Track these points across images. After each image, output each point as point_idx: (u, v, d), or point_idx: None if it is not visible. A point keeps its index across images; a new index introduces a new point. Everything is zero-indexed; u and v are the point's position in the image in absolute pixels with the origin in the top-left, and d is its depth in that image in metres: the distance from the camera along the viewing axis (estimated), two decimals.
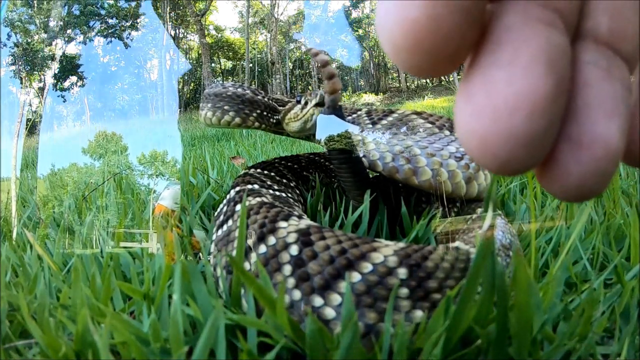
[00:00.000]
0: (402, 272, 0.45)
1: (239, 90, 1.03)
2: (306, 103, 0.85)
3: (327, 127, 0.76)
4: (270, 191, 0.80)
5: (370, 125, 0.88)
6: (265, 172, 0.91)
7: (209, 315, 0.48)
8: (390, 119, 0.89)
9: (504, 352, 0.39)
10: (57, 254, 0.79)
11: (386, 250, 0.47)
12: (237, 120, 1.00)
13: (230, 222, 0.66)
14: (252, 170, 0.90)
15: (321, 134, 0.81)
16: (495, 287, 0.38)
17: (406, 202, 0.89)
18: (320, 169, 1.06)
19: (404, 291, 0.45)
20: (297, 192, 0.94)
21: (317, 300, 0.47)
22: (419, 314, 0.45)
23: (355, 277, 0.46)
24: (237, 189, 0.76)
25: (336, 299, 0.46)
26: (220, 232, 0.67)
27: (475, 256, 0.38)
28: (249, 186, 0.78)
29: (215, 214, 0.77)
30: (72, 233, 0.95)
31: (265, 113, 1.02)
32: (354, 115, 0.95)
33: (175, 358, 0.42)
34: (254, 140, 3.68)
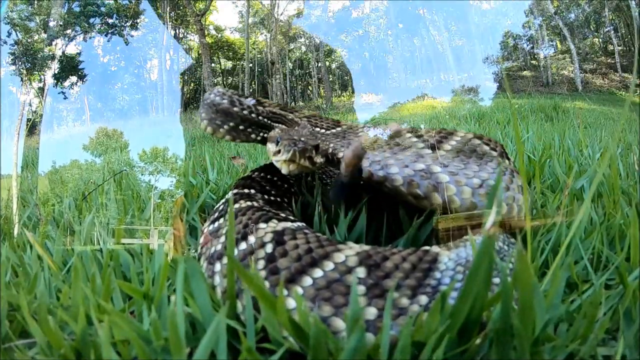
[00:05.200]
0: (361, 272, 0.50)
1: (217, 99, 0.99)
2: (279, 151, 0.78)
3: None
4: (265, 196, 0.83)
5: (429, 151, 0.78)
6: (268, 176, 0.93)
7: (208, 315, 0.48)
8: (452, 143, 0.80)
9: (507, 352, 0.39)
10: (57, 253, 0.79)
11: (348, 252, 0.51)
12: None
13: (221, 220, 0.71)
14: (255, 174, 0.93)
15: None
16: (501, 288, 0.38)
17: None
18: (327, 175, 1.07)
19: (361, 288, 0.49)
20: (297, 195, 0.95)
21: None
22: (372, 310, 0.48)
23: (318, 273, 0.51)
24: (235, 191, 0.82)
25: (298, 291, 0.50)
26: (211, 227, 0.73)
27: (476, 253, 0.38)
28: (246, 190, 0.82)
29: (213, 209, 0.82)
30: (72, 233, 0.95)
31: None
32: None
33: (176, 358, 0.42)
34: None
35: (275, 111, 1.03)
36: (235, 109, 0.96)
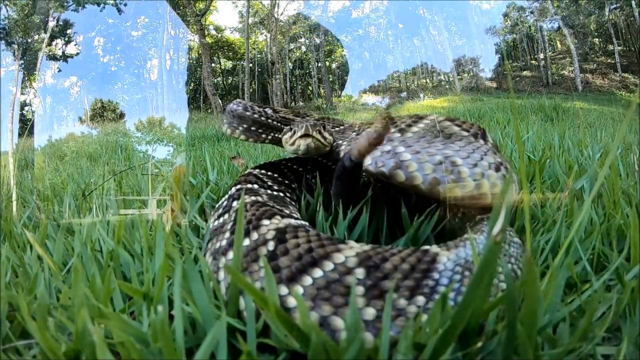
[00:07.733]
0: (360, 272, 0.49)
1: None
2: (294, 132, 0.92)
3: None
4: (269, 191, 0.85)
5: (398, 134, 0.84)
6: (269, 173, 0.96)
7: (208, 315, 0.48)
8: (421, 125, 0.84)
9: (510, 356, 0.39)
10: (58, 253, 0.78)
11: (348, 252, 0.51)
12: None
13: (226, 216, 0.72)
14: (256, 171, 0.95)
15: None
16: (507, 294, 0.38)
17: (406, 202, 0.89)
18: (325, 172, 1.07)
19: (360, 289, 0.49)
20: (298, 192, 0.97)
21: (283, 290, 0.52)
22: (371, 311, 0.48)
23: (318, 273, 0.51)
24: (239, 187, 0.82)
25: (299, 290, 0.51)
26: (216, 222, 0.73)
27: (481, 260, 0.38)
28: (249, 185, 0.83)
29: (216, 206, 0.83)
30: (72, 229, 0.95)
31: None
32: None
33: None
34: None
35: (285, 116, 1.21)
36: (247, 113, 1.16)
